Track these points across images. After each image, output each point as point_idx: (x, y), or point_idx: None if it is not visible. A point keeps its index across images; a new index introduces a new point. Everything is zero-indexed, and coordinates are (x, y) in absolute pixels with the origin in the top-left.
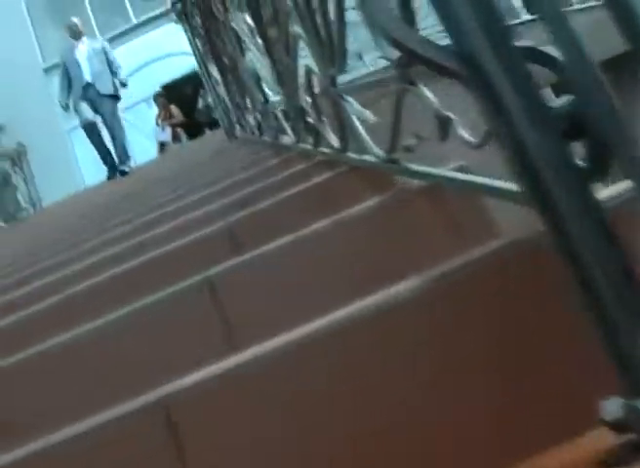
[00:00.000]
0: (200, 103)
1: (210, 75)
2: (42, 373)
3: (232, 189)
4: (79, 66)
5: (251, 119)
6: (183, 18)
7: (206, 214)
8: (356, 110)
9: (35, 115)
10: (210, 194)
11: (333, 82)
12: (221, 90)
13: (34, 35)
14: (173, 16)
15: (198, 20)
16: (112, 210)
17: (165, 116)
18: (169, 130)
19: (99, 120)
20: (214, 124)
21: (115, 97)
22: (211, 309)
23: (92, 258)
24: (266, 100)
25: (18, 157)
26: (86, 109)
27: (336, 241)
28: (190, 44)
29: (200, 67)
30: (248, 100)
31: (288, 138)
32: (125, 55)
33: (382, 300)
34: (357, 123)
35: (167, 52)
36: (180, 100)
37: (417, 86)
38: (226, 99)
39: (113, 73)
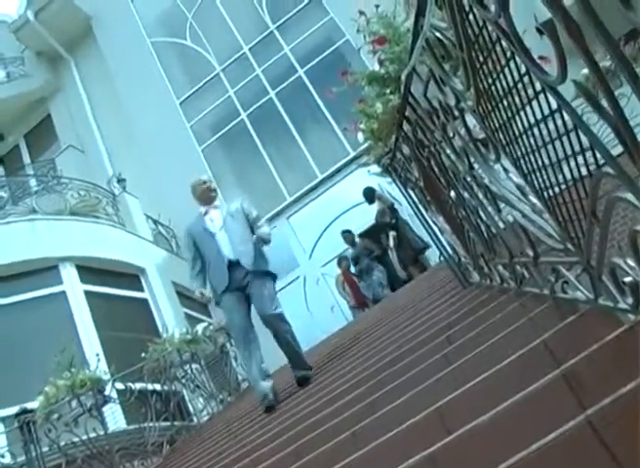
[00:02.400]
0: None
1: (429, 222)
2: None
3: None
4: (214, 239)
5: (501, 268)
6: (391, 171)
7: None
8: None
9: None
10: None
11: None
12: (451, 238)
13: None
14: (355, 165)
15: (415, 174)
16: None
17: (344, 284)
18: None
19: (250, 320)
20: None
21: (269, 275)
22: None
23: None
24: (537, 255)
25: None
26: (230, 306)
27: None
28: (402, 193)
29: (416, 215)
30: (502, 251)
31: (579, 294)
32: (315, 212)
33: None
34: None
35: (356, 201)
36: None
37: None
38: (457, 247)
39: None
